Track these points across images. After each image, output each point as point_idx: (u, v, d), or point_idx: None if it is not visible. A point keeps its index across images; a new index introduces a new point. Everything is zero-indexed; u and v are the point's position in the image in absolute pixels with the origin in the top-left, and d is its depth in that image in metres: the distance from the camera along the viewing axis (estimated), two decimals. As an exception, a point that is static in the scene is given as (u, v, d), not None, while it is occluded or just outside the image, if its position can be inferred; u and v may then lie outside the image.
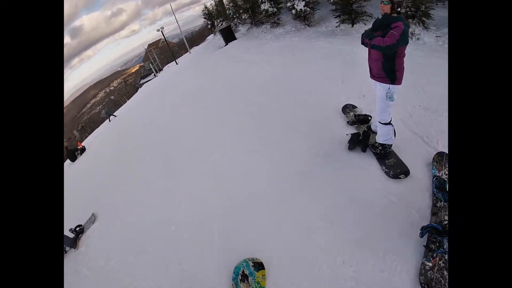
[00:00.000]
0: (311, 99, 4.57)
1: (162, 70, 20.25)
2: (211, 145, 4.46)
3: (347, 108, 3.78)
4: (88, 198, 5.03)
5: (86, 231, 3.93)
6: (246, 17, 11.78)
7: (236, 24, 12.36)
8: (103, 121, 14.53)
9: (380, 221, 2.35)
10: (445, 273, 1.87)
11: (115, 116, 12.44)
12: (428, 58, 4.79)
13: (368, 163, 2.89)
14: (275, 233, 2.61)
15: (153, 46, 39.87)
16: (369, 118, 3.42)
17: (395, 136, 2.77)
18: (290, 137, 3.83)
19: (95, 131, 14.55)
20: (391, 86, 2.44)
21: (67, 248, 3.66)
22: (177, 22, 22.57)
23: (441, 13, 5.95)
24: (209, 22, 15.16)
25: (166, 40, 26.80)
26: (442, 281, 1.83)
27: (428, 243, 2.02)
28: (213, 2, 14.53)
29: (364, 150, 2.98)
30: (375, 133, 3.02)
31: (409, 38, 2.28)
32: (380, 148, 2.84)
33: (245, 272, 2.29)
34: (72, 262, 3.50)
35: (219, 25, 12.28)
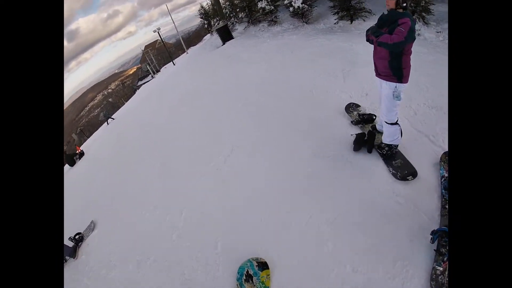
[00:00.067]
0: (312, 98, 4.49)
1: (159, 71, 20.13)
2: (210, 146, 4.41)
3: (351, 107, 3.69)
4: (87, 204, 4.94)
5: (85, 239, 3.86)
6: (243, 16, 11.67)
7: (233, 23, 12.23)
8: (102, 124, 14.43)
9: (388, 225, 2.28)
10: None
11: (113, 119, 12.32)
12: (429, 54, 4.70)
13: (374, 164, 2.81)
14: (279, 237, 2.55)
15: (150, 47, 39.76)
16: (374, 117, 3.33)
17: (401, 136, 2.69)
18: (291, 137, 3.75)
19: (93, 134, 14.44)
20: (398, 84, 2.36)
21: (66, 257, 3.58)
22: (174, 23, 22.40)
23: (441, 8, 5.85)
24: (205, 22, 15.01)
25: (163, 41, 26.63)
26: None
27: (439, 247, 1.96)
28: (209, 2, 14.39)
29: (370, 151, 2.90)
30: (381, 133, 2.94)
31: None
32: (386, 148, 2.76)
33: (249, 272, 2.28)
34: (72, 271, 3.42)
35: (215, 25, 12.17)
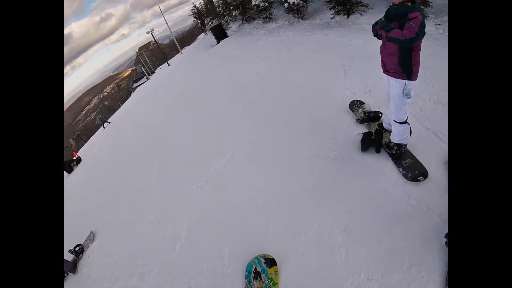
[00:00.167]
0: (313, 96, 4.37)
1: (154, 72, 19.88)
2: (209, 146, 4.33)
3: (355, 105, 3.56)
4: (86, 212, 4.80)
5: (85, 251, 3.73)
6: (237, 14, 11.49)
7: (227, 22, 12.06)
8: (98, 128, 14.21)
9: (401, 229, 2.19)
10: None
11: (109, 122, 12.13)
12: (429, 47, 4.57)
13: (383, 165, 2.71)
14: (283, 241, 2.47)
15: (144, 49, 39.30)
16: (380, 114, 3.20)
17: (411, 134, 2.59)
18: (292, 137, 3.66)
19: (90, 138, 14.24)
20: (407, 82, 2.25)
21: (67, 272, 3.45)
22: (167, 23, 22.06)
23: (439, 1, 5.75)
24: (199, 21, 14.83)
25: (156, 42, 26.30)
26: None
27: (453, 251, 1.89)
28: (202, 1, 14.20)
29: (378, 151, 2.79)
30: (388, 131, 2.83)
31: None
32: (395, 148, 2.65)
33: (257, 269, 2.30)
34: (74, 284, 3.31)
35: (209, 24, 11.98)
